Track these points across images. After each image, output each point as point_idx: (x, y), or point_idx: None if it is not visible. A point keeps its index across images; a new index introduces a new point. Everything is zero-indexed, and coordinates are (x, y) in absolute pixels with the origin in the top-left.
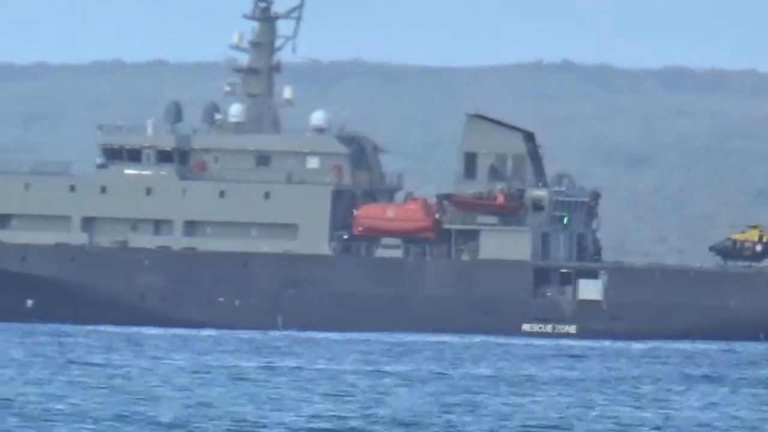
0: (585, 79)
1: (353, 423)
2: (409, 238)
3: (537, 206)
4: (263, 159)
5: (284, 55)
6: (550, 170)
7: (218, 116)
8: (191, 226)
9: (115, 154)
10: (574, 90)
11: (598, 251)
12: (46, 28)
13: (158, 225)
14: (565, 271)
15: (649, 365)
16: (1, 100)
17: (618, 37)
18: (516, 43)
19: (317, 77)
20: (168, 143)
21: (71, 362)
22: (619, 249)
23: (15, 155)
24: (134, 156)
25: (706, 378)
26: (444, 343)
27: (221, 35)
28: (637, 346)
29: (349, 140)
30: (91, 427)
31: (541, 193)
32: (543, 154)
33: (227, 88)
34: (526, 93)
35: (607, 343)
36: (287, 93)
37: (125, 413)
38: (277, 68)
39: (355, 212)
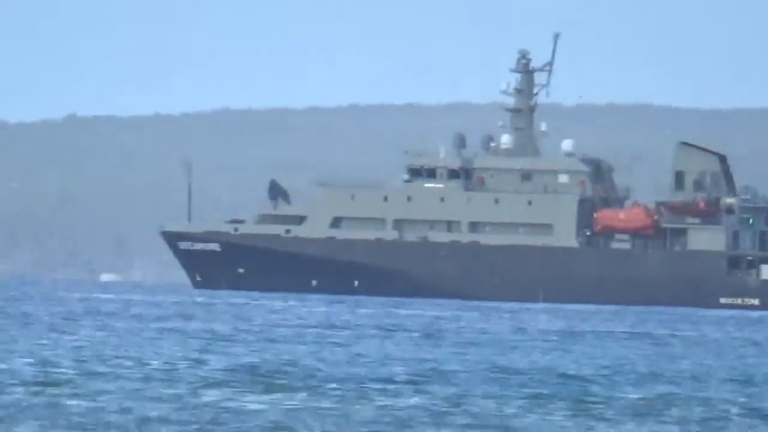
0: None
1: None
2: (635, 234)
3: (729, 210)
4: (526, 176)
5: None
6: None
7: (492, 144)
8: (474, 226)
9: (416, 172)
10: None
11: None
12: (315, 76)
13: (450, 225)
14: (750, 258)
15: None
16: (295, 133)
17: None
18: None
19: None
20: (456, 164)
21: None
22: None
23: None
24: (431, 173)
25: None
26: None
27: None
28: None
29: (590, 162)
30: None
31: (732, 200)
32: (733, 171)
33: (500, 123)
34: None
35: None
36: (543, 127)
37: None
38: (533, 108)
39: (595, 215)
